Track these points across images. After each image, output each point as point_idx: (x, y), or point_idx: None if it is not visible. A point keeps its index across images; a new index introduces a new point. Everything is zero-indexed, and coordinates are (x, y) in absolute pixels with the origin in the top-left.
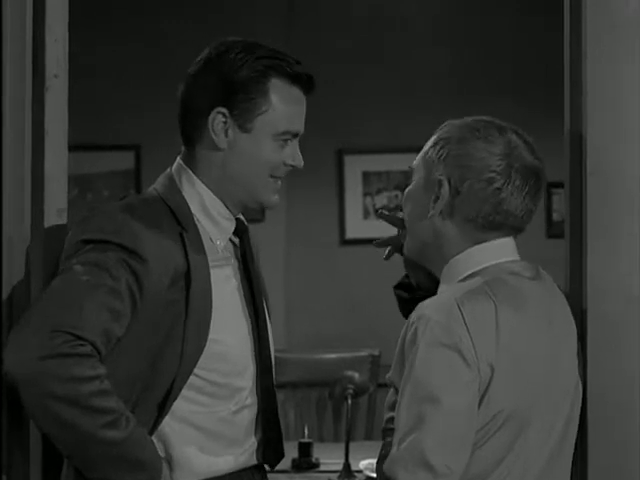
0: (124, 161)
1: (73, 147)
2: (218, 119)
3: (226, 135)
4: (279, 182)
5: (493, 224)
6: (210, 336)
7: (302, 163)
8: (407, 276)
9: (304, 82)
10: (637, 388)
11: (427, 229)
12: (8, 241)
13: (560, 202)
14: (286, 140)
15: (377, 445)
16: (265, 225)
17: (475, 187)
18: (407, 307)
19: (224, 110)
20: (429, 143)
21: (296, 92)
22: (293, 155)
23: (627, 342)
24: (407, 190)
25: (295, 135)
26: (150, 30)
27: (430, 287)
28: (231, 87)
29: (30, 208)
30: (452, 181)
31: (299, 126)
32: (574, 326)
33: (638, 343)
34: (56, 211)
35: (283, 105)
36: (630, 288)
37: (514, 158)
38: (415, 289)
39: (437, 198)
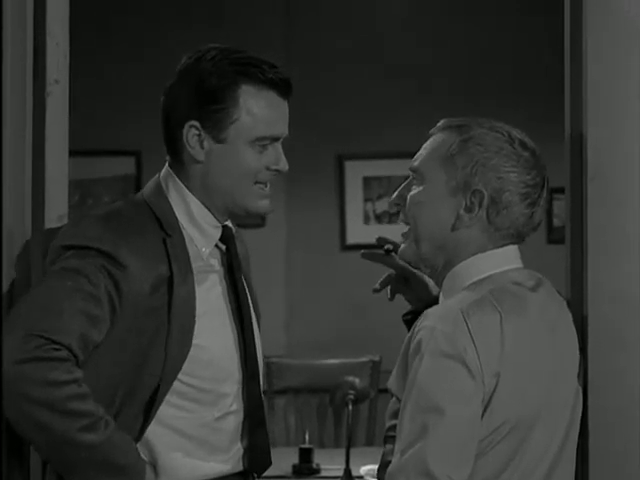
0: (125, 166)
1: (74, 152)
2: (192, 133)
3: (202, 147)
4: (266, 188)
5: (521, 235)
6: (194, 342)
7: (287, 167)
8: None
9: (279, 86)
10: (638, 394)
11: (452, 236)
12: (9, 246)
13: (561, 207)
14: (264, 145)
15: (378, 451)
16: (266, 230)
17: (512, 200)
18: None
19: (196, 123)
20: (448, 145)
21: (271, 96)
22: (276, 159)
23: (628, 348)
24: (416, 193)
25: (275, 139)
26: (150, 34)
27: (419, 306)
28: (202, 98)
29: (31, 213)
30: (490, 191)
31: (277, 130)
32: (575, 334)
33: (639, 349)
34: (57, 217)
35: (256, 111)
36: (631, 294)
37: (541, 170)
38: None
39: (468, 207)
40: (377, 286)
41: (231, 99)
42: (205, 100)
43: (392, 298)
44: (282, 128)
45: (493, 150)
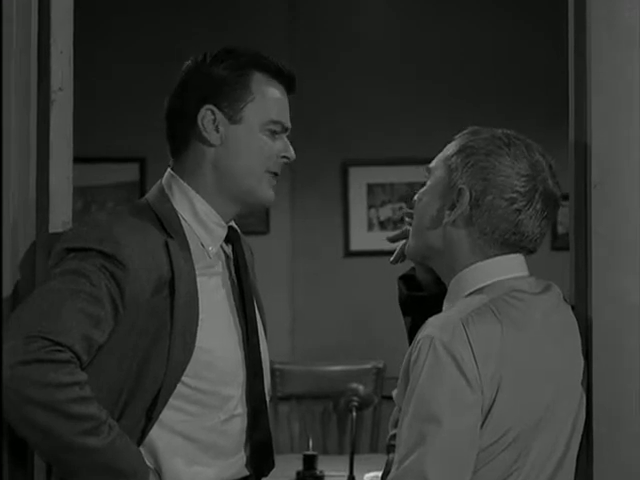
0: (129, 173)
1: (78, 159)
2: (208, 116)
3: (217, 131)
4: (275, 180)
5: (507, 243)
6: (197, 344)
7: (294, 155)
8: (414, 268)
9: (285, 77)
10: None
11: (437, 235)
12: (14, 252)
13: (565, 214)
14: (275, 132)
15: (382, 458)
16: (270, 237)
17: (495, 204)
18: (404, 301)
19: (211, 106)
20: (453, 148)
21: (279, 88)
22: (285, 147)
23: (632, 353)
24: (421, 191)
25: (284, 128)
26: (153, 41)
27: (435, 291)
28: (215, 83)
29: (35, 220)
30: (473, 192)
31: (287, 119)
32: (580, 340)
33: None
34: (61, 223)
35: (269, 94)
36: (635, 300)
37: (539, 181)
38: (416, 286)
39: (454, 205)
40: (391, 236)
41: (244, 83)
42: (218, 84)
43: (395, 261)
44: (287, 118)
45: (484, 153)
